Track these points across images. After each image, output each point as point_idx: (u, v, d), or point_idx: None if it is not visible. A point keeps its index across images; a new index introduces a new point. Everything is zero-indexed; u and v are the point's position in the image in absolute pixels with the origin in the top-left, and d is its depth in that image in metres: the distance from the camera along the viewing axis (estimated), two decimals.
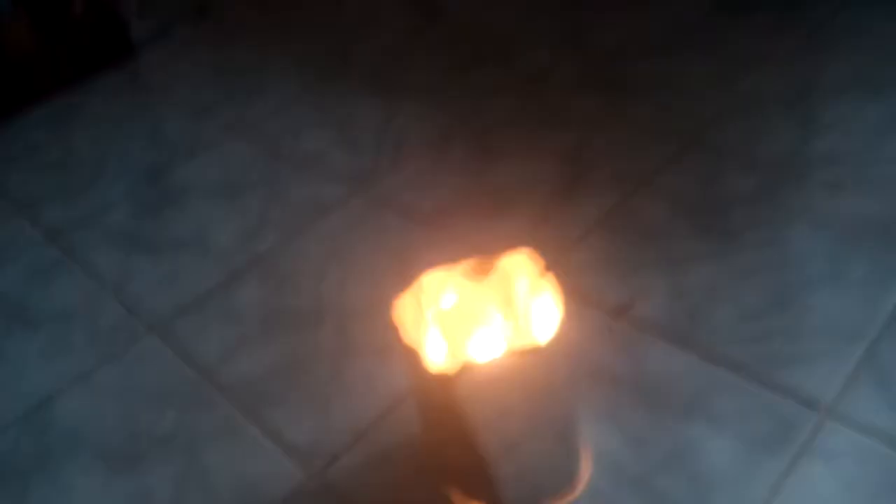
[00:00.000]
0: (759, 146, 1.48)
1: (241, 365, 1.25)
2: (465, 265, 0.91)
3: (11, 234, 1.69)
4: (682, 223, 1.34)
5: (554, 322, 0.84)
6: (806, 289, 1.17)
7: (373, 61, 2.04)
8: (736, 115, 1.57)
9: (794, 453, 0.96)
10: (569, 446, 0.94)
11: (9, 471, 1.16)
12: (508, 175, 1.54)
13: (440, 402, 0.85)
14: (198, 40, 2.39)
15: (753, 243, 1.27)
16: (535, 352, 0.82)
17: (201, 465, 1.11)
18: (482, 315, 0.89)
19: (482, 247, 1.22)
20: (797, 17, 1.84)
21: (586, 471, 0.98)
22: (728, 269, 1.23)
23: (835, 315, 1.12)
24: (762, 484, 0.94)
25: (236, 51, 2.25)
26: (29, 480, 1.14)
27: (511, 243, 0.92)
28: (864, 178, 1.35)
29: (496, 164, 1.58)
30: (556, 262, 1.30)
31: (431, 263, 0.92)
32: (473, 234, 1.39)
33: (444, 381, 0.81)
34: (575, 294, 1.24)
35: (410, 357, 0.83)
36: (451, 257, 0.95)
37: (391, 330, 0.85)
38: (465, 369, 0.80)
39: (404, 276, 0.93)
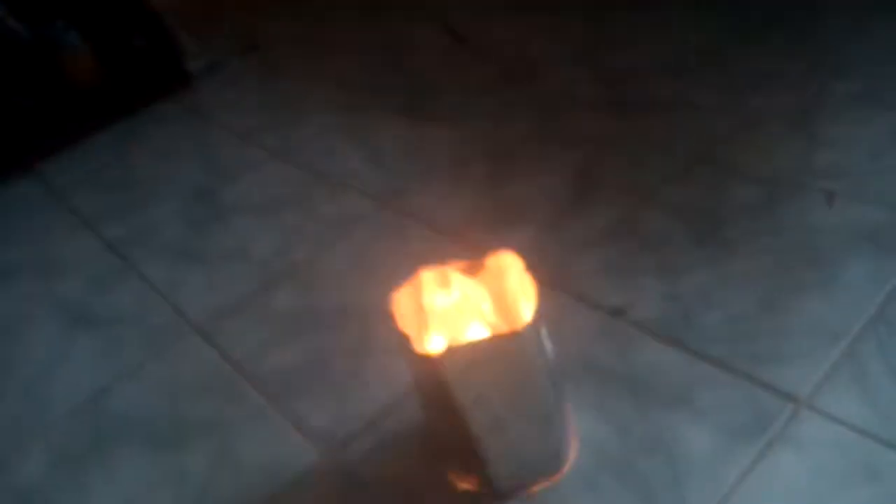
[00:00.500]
0: (762, 161, 1.56)
1: (271, 361, 1.38)
2: (459, 263, 1.03)
3: (77, 247, 1.87)
4: (682, 233, 1.43)
5: (533, 312, 0.94)
6: (795, 293, 1.25)
7: (403, 88, 2.18)
8: (742, 132, 1.65)
9: (768, 441, 1.04)
10: (554, 428, 1.03)
11: (68, 452, 1.31)
12: (523, 189, 1.65)
13: (432, 382, 0.96)
14: (245, 73, 2.58)
15: (748, 252, 1.35)
16: (517, 338, 0.93)
17: (233, 446, 1.24)
18: (471, 305, 1.00)
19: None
20: (809, 41, 1.92)
21: (572, 453, 1.08)
22: (722, 275, 1.32)
23: (819, 317, 1.19)
24: (735, 468, 1.02)
25: (280, 82, 2.43)
26: (86, 460, 1.29)
27: (520, 250, 1.02)
28: (860, 190, 1.42)
29: (513, 180, 1.69)
30: (560, 268, 1.40)
31: (432, 263, 1.03)
32: (488, 242, 1.50)
33: (434, 363, 0.92)
34: (575, 295, 1.34)
35: (404, 342, 0.95)
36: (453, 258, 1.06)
37: (389, 319, 0.96)
38: (453, 352, 0.91)
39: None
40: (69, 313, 1.65)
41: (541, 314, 0.96)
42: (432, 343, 0.95)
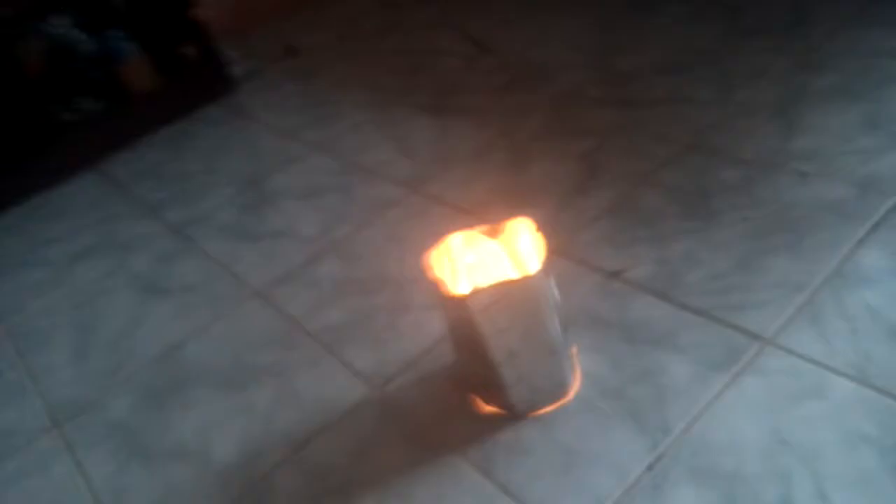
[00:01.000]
0: (746, 146, 1.78)
1: (321, 318, 1.62)
2: (481, 227, 1.26)
3: (143, 230, 2.12)
4: (673, 208, 1.65)
5: (541, 264, 1.17)
6: (766, 255, 1.46)
7: (430, 88, 2.42)
8: (731, 122, 1.87)
9: (736, 371, 1.26)
10: (560, 360, 1.26)
11: (150, 394, 1.56)
12: (536, 176, 1.88)
13: (460, 320, 1.19)
14: (284, 78, 2.83)
15: (729, 222, 1.57)
16: (529, 282, 1.16)
17: (292, 386, 1.48)
18: (492, 260, 1.23)
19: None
20: (797, 40, 2.13)
21: (576, 383, 1.30)
22: (705, 242, 1.54)
23: (785, 274, 1.41)
24: (708, 392, 1.24)
25: (315, 86, 2.68)
26: (166, 400, 1.53)
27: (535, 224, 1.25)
28: (830, 169, 1.63)
29: (527, 168, 1.92)
30: (569, 240, 1.63)
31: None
32: (505, 219, 1.73)
33: (460, 302, 1.16)
34: (581, 261, 1.56)
35: (437, 287, 1.18)
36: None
37: (424, 274, 1.20)
38: (477, 293, 1.15)
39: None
40: (142, 285, 1.90)
41: (549, 266, 1.19)
42: (460, 287, 1.19)
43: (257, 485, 1.30)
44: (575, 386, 1.31)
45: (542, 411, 1.28)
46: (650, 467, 1.15)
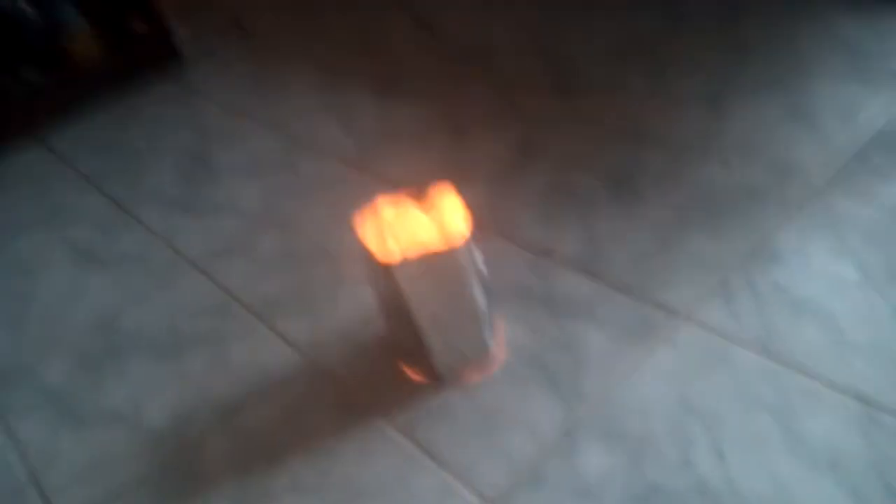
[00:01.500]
0: (676, 133, 1.85)
1: (258, 290, 1.65)
2: (407, 192, 1.30)
3: (84, 201, 2.12)
4: (602, 190, 1.71)
5: (462, 230, 1.22)
6: (686, 236, 1.54)
7: (377, 70, 2.45)
8: (663, 109, 1.94)
9: (651, 343, 1.33)
10: (482, 328, 1.31)
11: (86, 360, 1.57)
12: (475, 156, 1.92)
13: (387, 287, 1.24)
14: (234, 57, 2.82)
15: (655, 205, 1.64)
16: (454, 253, 1.20)
17: (226, 355, 1.50)
18: (417, 224, 1.27)
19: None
20: (730, 32, 2.21)
21: (499, 351, 1.36)
22: (631, 223, 1.60)
23: (703, 255, 1.48)
24: (624, 362, 1.30)
25: (266, 65, 2.68)
26: (101, 366, 1.55)
27: (470, 204, 1.29)
28: (750, 156, 1.71)
29: (466, 148, 1.96)
30: (502, 219, 1.68)
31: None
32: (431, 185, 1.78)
33: (388, 271, 1.20)
34: (512, 239, 1.62)
35: (366, 253, 1.22)
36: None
37: (353, 235, 1.23)
38: (404, 263, 1.19)
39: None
40: (81, 255, 1.90)
41: (473, 237, 1.23)
42: (387, 252, 1.23)
43: (189, 449, 1.33)
44: (498, 354, 1.36)
45: (466, 378, 1.33)
46: (566, 432, 1.21)
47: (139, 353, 1.56)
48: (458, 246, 1.21)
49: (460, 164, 1.90)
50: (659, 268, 1.48)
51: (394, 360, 1.39)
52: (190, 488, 1.26)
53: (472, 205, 1.28)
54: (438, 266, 1.22)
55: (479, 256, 1.29)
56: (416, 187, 1.30)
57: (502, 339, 1.38)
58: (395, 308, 1.28)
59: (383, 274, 1.23)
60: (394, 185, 1.80)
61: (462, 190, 1.30)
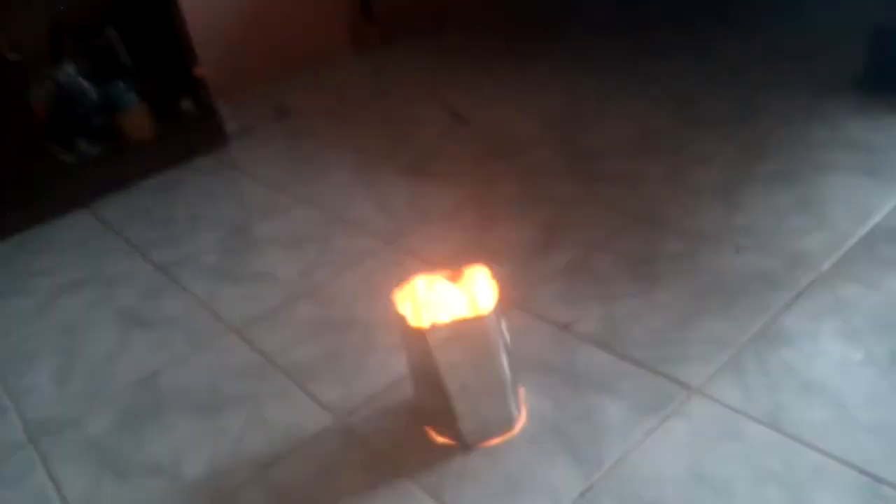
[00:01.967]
0: (691, 221, 1.96)
1: (293, 355, 1.74)
2: (443, 272, 1.41)
3: (130, 267, 2.25)
4: (621, 271, 1.81)
5: (493, 306, 1.32)
6: (700, 316, 1.62)
7: (410, 154, 2.61)
8: (679, 199, 2.06)
9: (665, 415, 1.40)
10: (507, 396, 1.39)
11: (131, 414, 1.66)
12: (502, 235, 2.04)
13: (420, 352, 1.33)
14: (275, 137, 3.01)
15: (670, 286, 1.73)
16: (482, 321, 1.30)
17: (261, 414, 1.59)
18: (451, 300, 1.38)
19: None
20: (744, 130, 2.35)
21: (522, 419, 1.43)
22: (648, 302, 1.70)
23: (716, 333, 1.57)
24: (639, 432, 1.37)
25: (305, 145, 2.86)
26: (144, 420, 1.64)
27: (496, 280, 1.40)
28: (762, 244, 1.81)
29: (494, 229, 2.08)
30: (526, 295, 1.78)
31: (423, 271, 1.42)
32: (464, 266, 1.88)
33: (420, 335, 1.30)
34: (536, 314, 1.71)
35: (400, 321, 1.32)
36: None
37: (390, 307, 1.34)
38: (435, 327, 1.29)
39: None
40: (126, 317, 2.02)
41: (500, 309, 1.34)
42: (421, 322, 1.33)
43: (224, 500, 1.40)
44: (521, 421, 1.44)
45: (490, 443, 1.40)
46: (582, 495, 1.28)
47: (179, 409, 1.65)
48: (486, 315, 1.31)
49: (488, 243, 2.02)
50: (673, 344, 1.56)
51: (421, 426, 1.47)
52: None
53: (498, 281, 1.38)
54: (468, 333, 1.31)
55: (505, 329, 1.39)
56: (450, 267, 1.40)
57: (525, 407, 1.46)
58: (425, 373, 1.37)
59: (415, 339, 1.33)
60: (424, 260, 1.92)
61: (489, 267, 1.40)
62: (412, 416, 1.50)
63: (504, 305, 1.37)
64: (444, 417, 1.40)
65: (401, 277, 1.41)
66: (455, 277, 1.43)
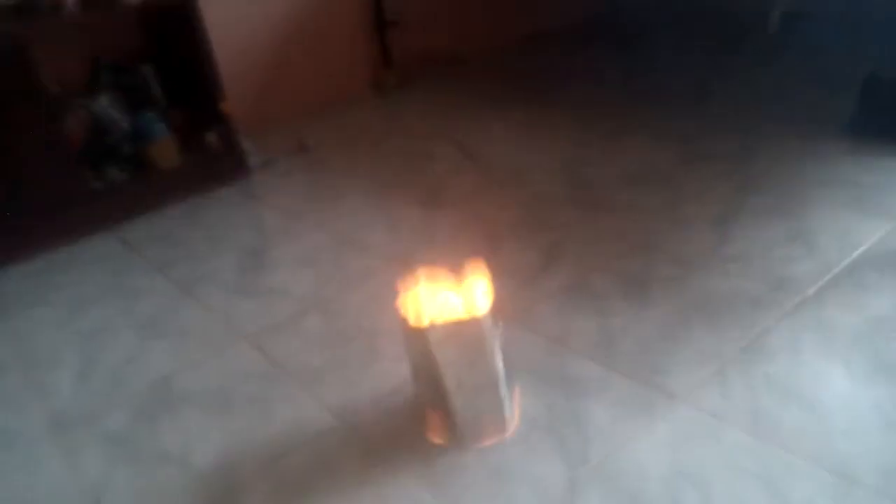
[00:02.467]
0: (685, 248, 2.05)
1: (302, 361, 1.84)
2: (443, 278, 1.51)
3: (150, 283, 2.36)
4: (617, 292, 1.90)
5: (487, 304, 1.41)
6: (688, 332, 1.71)
7: (421, 185, 2.73)
8: (674, 228, 2.16)
9: (649, 419, 1.47)
10: (501, 396, 1.47)
11: (146, 411, 1.75)
12: (505, 258, 2.14)
13: (419, 350, 1.42)
14: (295, 169, 3.15)
15: (661, 305, 1.82)
16: (477, 322, 1.40)
17: (270, 413, 1.68)
18: (448, 297, 1.47)
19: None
20: (742, 168, 2.46)
21: (515, 420, 1.51)
22: (640, 319, 1.78)
23: (702, 347, 1.65)
24: (624, 434, 1.45)
25: (322, 176, 3.00)
26: (158, 416, 1.73)
27: (500, 300, 1.49)
28: (751, 270, 1.90)
29: (498, 251, 2.19)
30: (526, 312, 1.88)
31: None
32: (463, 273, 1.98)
33: (420, 334, 1.39)
34: (533, 329, 1.80)
35: (402, 320, 1.42)
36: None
37: (389, 318, 1.44)
38: (434, 327, 1.38)
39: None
40: (144, 327, 2.12)
41: (496, 313, 1.43)
42: (422, 321, 1.42)
43: (232, 488, 1.48)
44: (514, 422, 1.52)
45: (484, 440, 1.48)
46: (568, 488, 1.35)
47: (192, 408, 1.74)
48: (482, 317, 1.41)
49: (491, 265, 2.11)
50: (661, 358, 1.64)
51: (419, 423, 1.55)
52: None
53: (500, 299, 1.47)
54: (464, 333, 1.40)
55: (500, 334, 1.48)
56: (451, 266, 1.51)
57: (518, 409, 1.54)
58: (425, 371, 1.46)
59: (416, 338, 1.42)
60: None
61: (493, 285, 1.50)
62: (411, 416, 1.58)
63: (504, 319, 1.47)
64: (441, 414, 1.48)
65: (408, 279, 1.51)
66: (454, 274, 1.53)
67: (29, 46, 2.54)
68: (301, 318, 2.03)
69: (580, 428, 1.48)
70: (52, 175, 2.70)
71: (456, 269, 1.51)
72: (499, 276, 1.99)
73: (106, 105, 2.97)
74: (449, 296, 1.49)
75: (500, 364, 1.46)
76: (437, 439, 1.51)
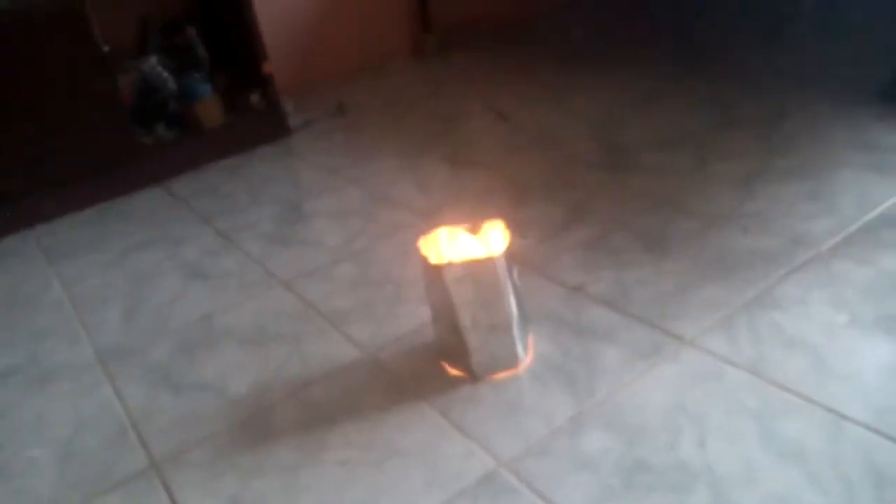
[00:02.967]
0: (707, 207, 2.10)
1: (333, 304, 1.95)
2: (464, 225, 1.60)
3: (194, 232, 2.50)
4: (637, 246, 1.96)
5: (504, 250, 1.50)
6: (701, 283, 1.76)
7: (453, 144, 2.81)
8: (699, 188, 2.20)
9: (657, 360, 1.54)
10: (514, 334, 1.56)
11: (186, 345, 1.89)
12: (530, 215, 2.21)
13: (437, 289, 1.51)
14: (333, 130, 3.25)
15: (679, 258, 1.88)
16: (491, 262, 1.48)
17: (302, 348, 1.79)
18: (466, 242, 1.56)
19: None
20: (773, 132, 2.48)
21: (528, 358, 1.60)
22: (656, 271, 1.84)
23: (714, 297, 1.71)
24: (632, 373, 1.52)
25: (360, 135, 3.09)
26: (197, 350, 1.86)
27: (523, 252, 1.56)
28: (770, 227, 1.94)
29: (525, 208, 2.26)
30: (548, 263, 1.95)
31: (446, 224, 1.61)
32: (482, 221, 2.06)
33: (438, 272, 1.48)
34: (552, 279, 1.88)
35: (423, 260, 1.51)
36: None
37: (416, 266, 1.53)
38: (451, 265, 1.47)
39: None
40: (188, 271, 2.26)
41: (511, 255, 1.51)
42: (440, 261, 1.51)
43: (262, 412, 1.61)
44: (527, 361, 1.60)
45: (497, 376, 1.57)
46: (573, 419, 1.43)
47: (229, 343, 1.87)
48: (496, 257, 1.49)
49: (517, 221, 2.18)
50: (674, 307, 1.71)
51: (438, 360, 1.65)
52: (261, 439, 1.53)
53: (522, 251, 1.55)
54: (479, 273, 1.49)
55: (516, 275, 1.56)
56: (471, 222, 1.59)
57: (532, 349, 1.63)
58: (443, 311, 1.55)
59: (435, 277, 1.51)
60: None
61: (514, 240, 1.57)
62: (432, 353, 1.67)
63: (526, 269, 1.55)
64: (459, 351, 1.57)
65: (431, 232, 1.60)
66: (474, 230, 1.61)
67: (84, 7, 2.67)
68: (333, 266, 2.14)
69: (589, 367, 1.56)
70: (105, 131, 2.85)
71: (476, 224, 1.59)
72: (524, 230, 2.09)
73: (154, 65, 3.10)
74: (468, 240, 1.58)
75: (513, 304, 1.54)
76: (453, 372, 1.61)
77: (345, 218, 2.42)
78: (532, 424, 1.44)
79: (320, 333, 1.84)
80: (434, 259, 1.54)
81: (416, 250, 1.57)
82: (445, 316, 1.55)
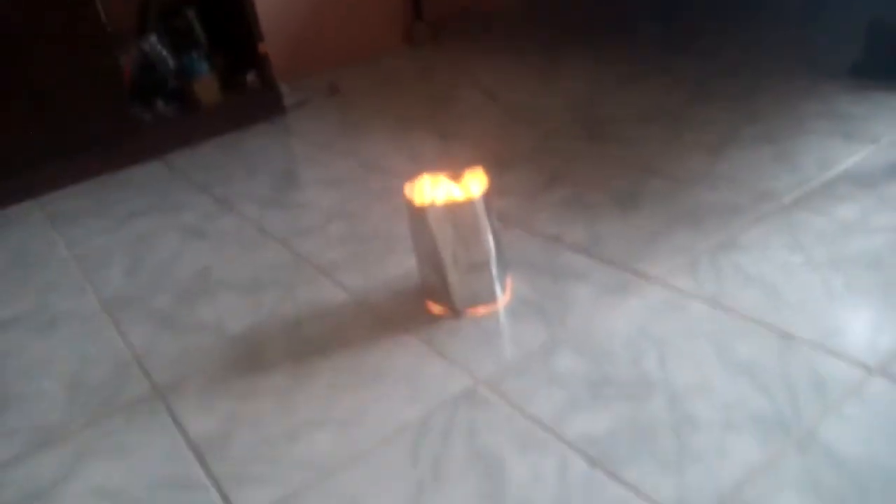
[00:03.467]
0: (678, 169, 2.22)
1: (324, 256, 2.06)
2: (445, 172, 1.71)
3: (193, 199, 2.61)
4: (610, 203, 2.08)
5: (482, 192, 1.61)
6: (669, 233, 1.88)
7: (443, 122, 2.93)
8: (671, 154, 2.33)
9: (623, 296, 1.66)
10: (492, 272, 1.67)
11: (186, 294, 2.00)
12: (512, 179, 2.33)
13: (420, 229, 1.63)
14: (328, 108, 3.37)
15: (650, 214, 2.00)
16: (471, 204, 1.60)
17: (294, 294, 1.90)
18: (448, 186, 1.68)
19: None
20: (744, 104, 2.60)
21: (506, 296, 1.71)
22: (628, 225, 1.96)
23: (681, 244, 1.82)
24: (602, 308, 1.64)
25: (352, 114, 3.21)
26: (196, 298, 1.97)
27: (506, 210, 1.68)
28: (736, 185, 2.06)
29: (508, 174, 2.38)
30: (527, 218, 2.07)
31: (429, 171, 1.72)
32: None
33: (421, 213, 1.60)
34: (532, 231, 2.00)
35: (407, 201, 1.63)
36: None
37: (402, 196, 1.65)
38: (433, 206, 1.59)
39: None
40: (187, 231, 2.37)
41: (489, 198, 1.63)
42: (423, 202, 1.63)
43: (257, 346, 1.72)
44: (505, 299, 1.72)
45: (477, 311, 1.69)
46: (544, 344, 1.55)
47: (226, 291, 1.98)
48: (475, 199, 1.61)
49: (500, 185, 2.30)
50: (643, 252, 1.83)
51: (423, 300, 1.76)
52: (256, 367, 1.64)
53: (503, 210, 1.67)
54: (459, 213, 1.61)
55: (494, 218, 1.68)
56: (453, 170, 1.71)
57: (510, 289, 1.74)
58: (427, 251, 1.67)
59: (418, 218, 1.63)
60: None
61: (499, 200, 1.69)
62: (417, 295, 1.79)
63: (506, 224, 1.66)
64: (441, 289, 1.69)
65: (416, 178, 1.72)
66: (455, 178, 1.73)
67: None
68: (326, 225, 2.25)
69: (562, 303, 1.68)
70: (107, 107, 2.96)
71: (458, 172, 1.71)
72: (504, 193, 2.20)
73: (155, 43, 3.22)
74: (449, 185, 1.69)
75: (492, 244, 1.66)
76: (436, 310, 1.72)
77: (338, 184, 2.53)
78: (508, 350, 1.55)
79: (312, 281, 1.95)
80: (418, 201, 1.66)
81: (403, 196, 1.68)
82: (429, 256, 1.67)
